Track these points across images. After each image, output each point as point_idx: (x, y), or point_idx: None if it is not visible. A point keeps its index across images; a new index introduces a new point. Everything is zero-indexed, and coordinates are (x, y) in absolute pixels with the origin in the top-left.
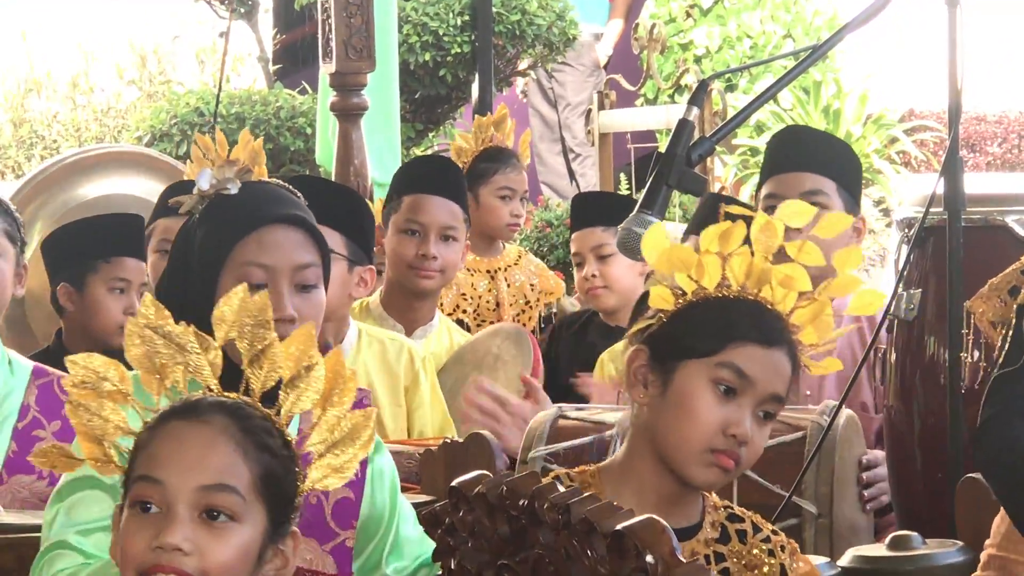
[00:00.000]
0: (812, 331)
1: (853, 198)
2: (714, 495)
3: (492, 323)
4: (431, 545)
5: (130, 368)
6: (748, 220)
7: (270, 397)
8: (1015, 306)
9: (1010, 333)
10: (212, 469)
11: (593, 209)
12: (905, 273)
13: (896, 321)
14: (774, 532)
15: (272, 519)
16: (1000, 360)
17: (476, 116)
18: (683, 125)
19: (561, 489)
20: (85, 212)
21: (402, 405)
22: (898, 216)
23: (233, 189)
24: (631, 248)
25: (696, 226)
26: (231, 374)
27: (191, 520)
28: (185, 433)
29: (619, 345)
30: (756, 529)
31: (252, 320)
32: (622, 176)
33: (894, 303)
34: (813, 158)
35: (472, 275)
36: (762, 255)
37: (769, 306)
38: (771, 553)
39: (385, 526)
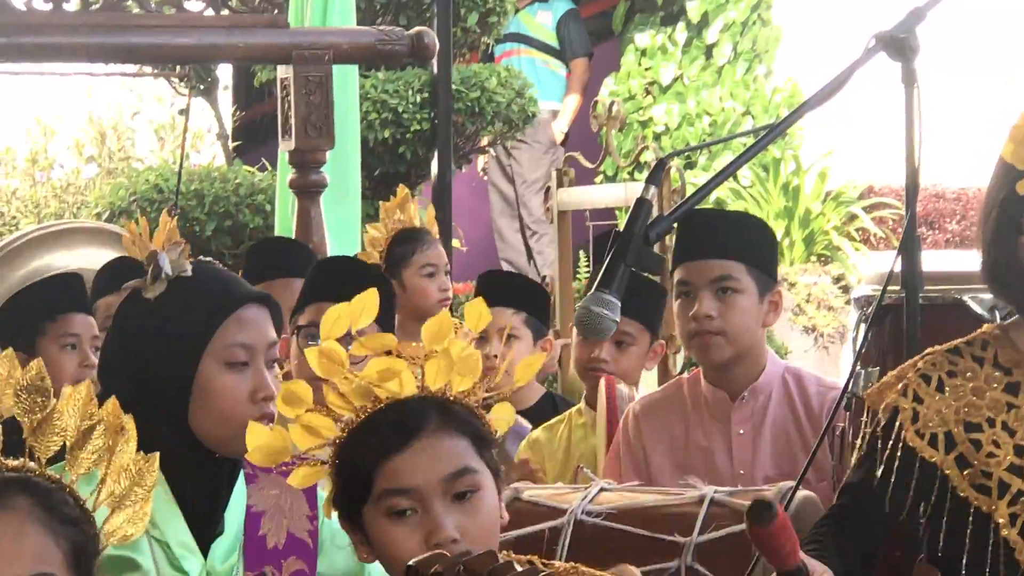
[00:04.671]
0: (460, 378)
1: (767, 273)
2: None
3: None
4: None
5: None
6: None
7: (54, 460)
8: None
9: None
10: (28, 560)
11: (509, 291)
12: (863, 351)
13: (854, 399)
14: None
15: None
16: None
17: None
18: (641, 204)
19: (518, 568)
20: None
21: None
22: (856, 295)
23: (189, 271)
24: (588, 327)
25: None
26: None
27: None
28: None
29: None
30: None
31: (30, 388)
32: (581, 254)
33: (852, 381)
34: (720, 244)
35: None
36: (341, 376)
37: (392, 404)
38: None
39: None
